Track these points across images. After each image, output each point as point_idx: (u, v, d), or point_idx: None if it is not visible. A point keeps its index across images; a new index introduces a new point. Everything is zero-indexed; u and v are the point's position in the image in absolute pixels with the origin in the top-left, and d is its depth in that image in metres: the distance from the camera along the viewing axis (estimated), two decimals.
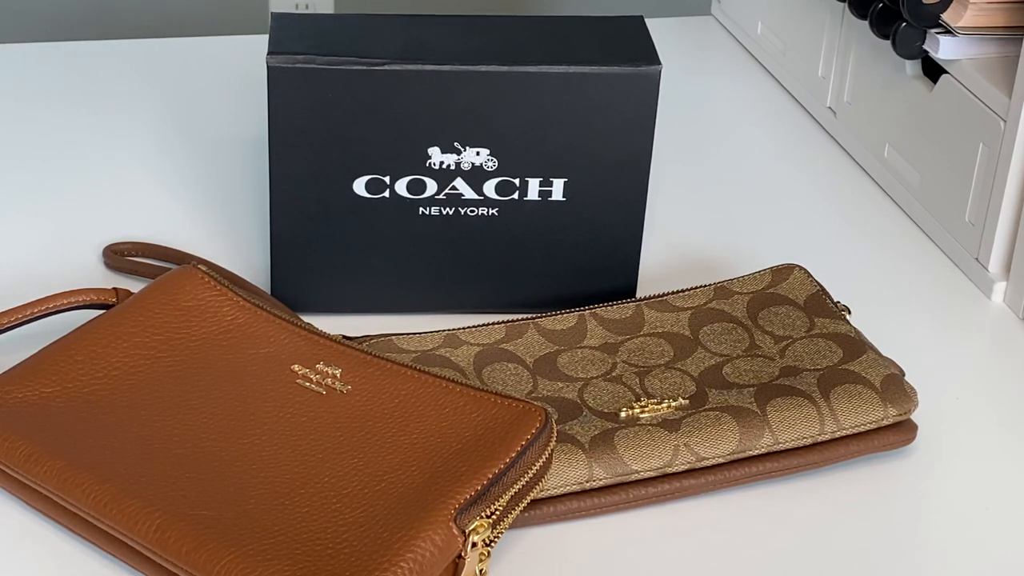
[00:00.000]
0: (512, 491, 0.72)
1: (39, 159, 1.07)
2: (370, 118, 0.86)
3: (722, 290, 0.88)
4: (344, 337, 0.82)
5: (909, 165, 1.05)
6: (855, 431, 0.80)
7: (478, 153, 0.87)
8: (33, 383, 0.78)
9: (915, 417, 0.83)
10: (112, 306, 0.85)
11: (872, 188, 1.09)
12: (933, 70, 1.02)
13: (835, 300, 0.88)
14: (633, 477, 0.77)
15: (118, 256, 0.95)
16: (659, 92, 0.86)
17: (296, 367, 0.79)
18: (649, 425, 0.79)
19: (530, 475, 0.73)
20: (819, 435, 0.80)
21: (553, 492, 0.76)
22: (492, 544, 0.71)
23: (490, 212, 0.89)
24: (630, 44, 0.88)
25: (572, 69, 0.85)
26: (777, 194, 1.08)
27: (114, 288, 0.86)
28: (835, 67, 1.13)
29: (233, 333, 0.82)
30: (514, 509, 0.73)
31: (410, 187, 0.88)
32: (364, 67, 0.84)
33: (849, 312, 0.88)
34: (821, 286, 0.88)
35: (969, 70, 0.97)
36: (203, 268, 0.85)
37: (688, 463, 0.78)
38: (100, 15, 2.00)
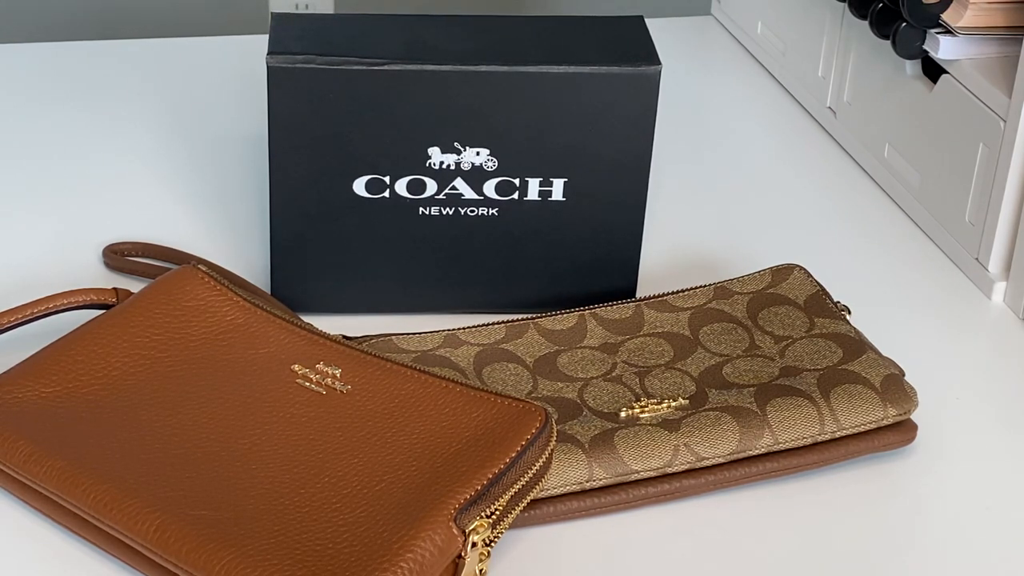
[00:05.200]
0: (512, 491, 0.72)
1: (39, 159, 1.07)
2: (370, 118, 0.86)
3: (722, 290, 0.88)
4: (344, 337, 0.82)
5: (909, 165, 1.04)
6: (855, 431, 0.80)
7: (478, 153, 0.87)
8: (33, 383, 0.78)
9: (915, 417, 0.83)
10: (112, 306, 0.85)
11: (872, 188, 1.09)
12: (933, 70, 1.02)
13: (835, 300, 0.88)
14: (633, 477, 0.77)
15: (118, 256, 0.95)
16: (659, 92, 0.86)
17: (296, 367, 0.79)
18: (649, 425, 0.78)
19: (530, 475, 0.73)
20: (819, 435, 0.80)
21: (553, 492, 0.76)
22: (492, 544, 0.71)
23: (490, 212, 0.89)
24: (630, 44, 0.88)
25: (572, 69, 0.85)
26: (777, 194, 1.08)
27: (114, 288, 0.86)
28: (835, 67, 1.13)
29: (233, 333, 0.82)
30: (514, 509, 0.73)
31: (410, 187, 0.88)
32: (364, 67, 0.84)
33: (849, 312, 0.88)
34: (821, 286, 0.88)
35: (969, 70, 0.97)
36: (203, 268, 0.85)
37: (688, 463, 0.78)
38: (100, 15, 2.00)
